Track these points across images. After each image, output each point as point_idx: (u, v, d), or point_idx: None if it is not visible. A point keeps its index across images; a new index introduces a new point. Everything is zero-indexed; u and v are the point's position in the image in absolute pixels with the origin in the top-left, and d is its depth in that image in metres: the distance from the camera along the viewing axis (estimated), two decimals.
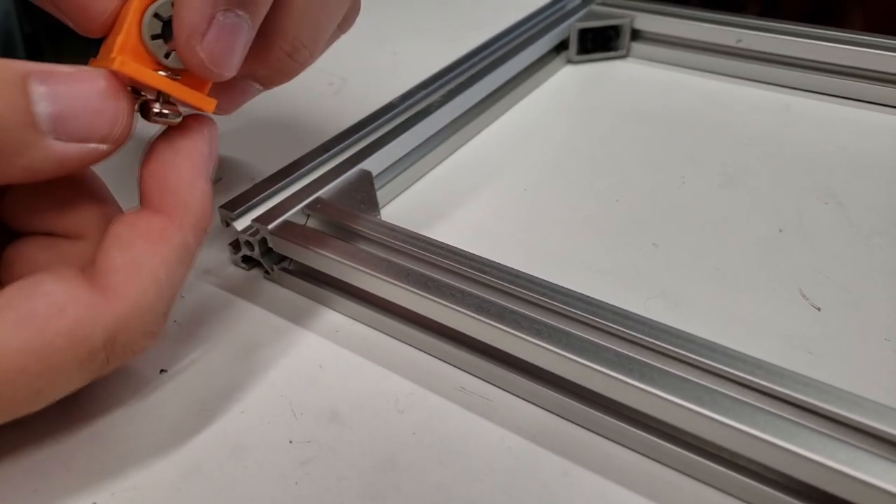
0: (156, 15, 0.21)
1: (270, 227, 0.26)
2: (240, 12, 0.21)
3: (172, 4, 0.20)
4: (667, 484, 0.20)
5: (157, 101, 0.21)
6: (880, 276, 0.27)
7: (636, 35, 0.45)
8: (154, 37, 0.21)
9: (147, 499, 0.20)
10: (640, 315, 0.22)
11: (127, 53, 0.20)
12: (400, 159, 0.32)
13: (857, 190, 0.32)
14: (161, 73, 0.21)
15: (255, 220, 0.27)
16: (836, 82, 0.39)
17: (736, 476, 0.20)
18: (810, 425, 0.18)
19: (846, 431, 0.18)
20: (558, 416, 0.22)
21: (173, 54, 0.21)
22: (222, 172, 0.35)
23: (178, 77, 0.21)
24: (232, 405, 0.23)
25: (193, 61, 0.21)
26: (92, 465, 0.21)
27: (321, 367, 0.24)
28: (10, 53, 0.41)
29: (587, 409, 0.22)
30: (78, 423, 0.23)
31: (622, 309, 0.22)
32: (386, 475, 0.21)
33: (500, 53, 0.39)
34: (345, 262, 0.25)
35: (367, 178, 0.30)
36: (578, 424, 0.22)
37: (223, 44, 0.21)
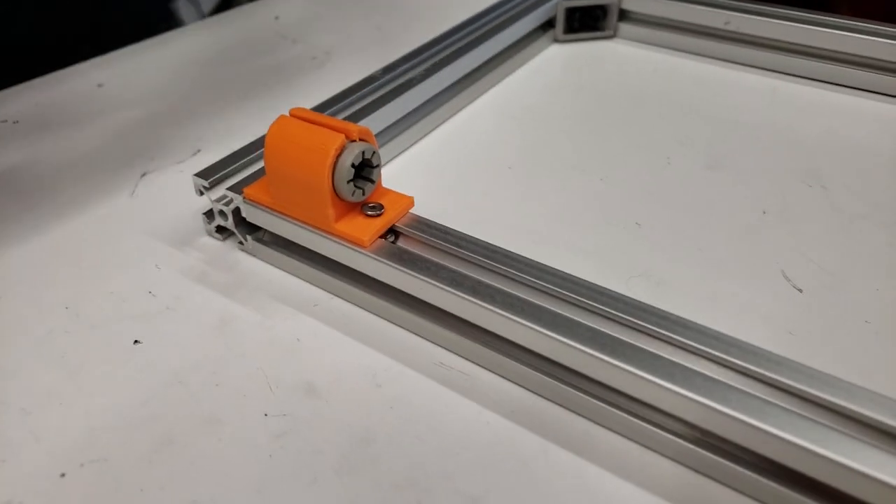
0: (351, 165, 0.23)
1: (244, 195, 0.26)
2: None
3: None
4: (643, 463, 0.20)
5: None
6: (862, 259, 0.27)
7: (623, 15, 0.44)
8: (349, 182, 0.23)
9: (117, 470, 0.20)
10: (615, 291, 0.22)
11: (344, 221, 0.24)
12: (381, 132, 0.32)
13: (841, 174, 0.31)
14: (365, 210, 0.24)
15: (229, 188, 0.26)
16: (824, 67, 0.39)
17: (710, 456, 0.20)
18: (782, 404, 0.18)
19: (817, 410, 0.18)
20: (537, 394, 0.22)
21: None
22: (201, 143, 0.34)
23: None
24: (207, 378, 0.22)
25: None
26: (61, 436, 0.21)
27: (298, 341, 0.24)
28: None
29: (565, 387, 0.21)
30: (48, 393, 0.22)
31: (598, 285, 0.22)
32: (362, 449, 0.20)
33: (485, 29, 0.39)
34: (318, 233, 0.24)
35: None
36: (557, 403, 0.22)
37: None
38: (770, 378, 0.19)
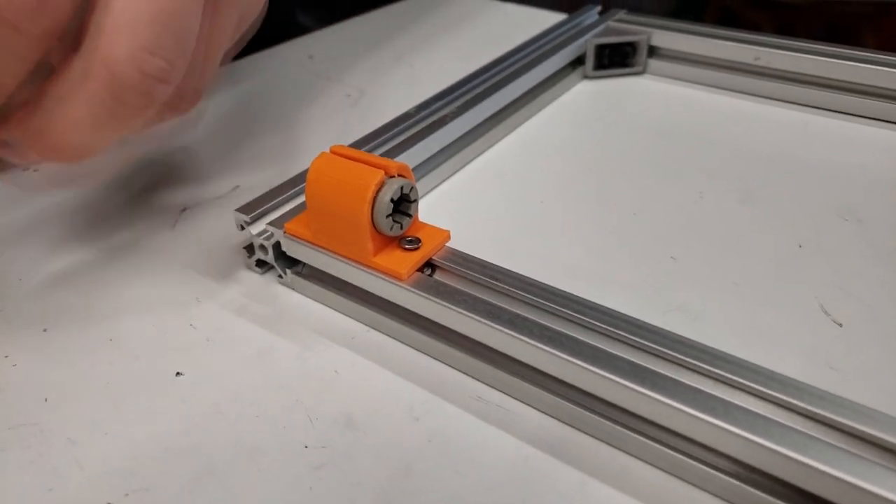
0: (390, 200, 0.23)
1: (284, 230, 0.26)
2: None
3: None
4: (683, 498, 0.20)
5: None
6: None
7: (653, 52, 0.45)
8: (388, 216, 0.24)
9: (161, 500, 0.20)
10: (653, 325, 0.22)
11: (381, 253, 0.24)
12: (415, 168, 0.32)
13: (876, 207, 0.31)
14: (403, 243, 0.25)
15: (270, 223, 0.27)
16: (855, 101, 0.39)
17: (753, 491, 0.19)
18: (825, 438, 0.18)
19: (861, 445, 0.18)
20: (576, 428, 0.22)
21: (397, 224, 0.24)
22: (240, 179, 0.35)
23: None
24: (247, 409, 0.23)
25: None
26: (106, 465, 0.21)
27: (336, 373, 0.24)
28: None
29: (605, 421, 0.21)
30: (92, 422, 0.22)
31: (636, 319, 0.22)
32: (401, 482, 0.20)
33: (516, 67, 0.39)
34: (357, 267, 0.25)
35: None
36: (596, 437, 0.22)
37: None
38: (813, 412, 0.19)
